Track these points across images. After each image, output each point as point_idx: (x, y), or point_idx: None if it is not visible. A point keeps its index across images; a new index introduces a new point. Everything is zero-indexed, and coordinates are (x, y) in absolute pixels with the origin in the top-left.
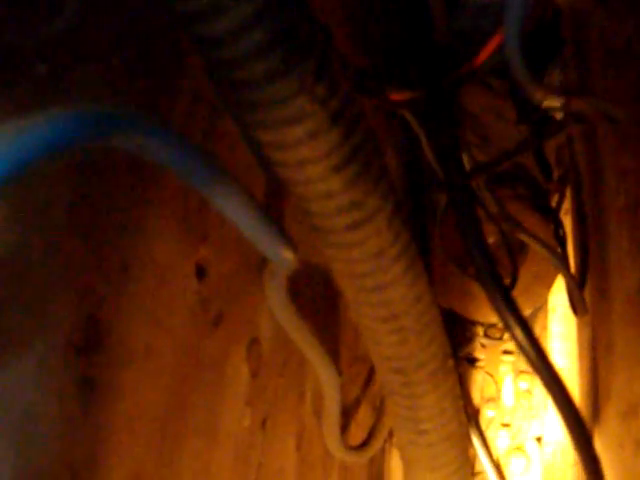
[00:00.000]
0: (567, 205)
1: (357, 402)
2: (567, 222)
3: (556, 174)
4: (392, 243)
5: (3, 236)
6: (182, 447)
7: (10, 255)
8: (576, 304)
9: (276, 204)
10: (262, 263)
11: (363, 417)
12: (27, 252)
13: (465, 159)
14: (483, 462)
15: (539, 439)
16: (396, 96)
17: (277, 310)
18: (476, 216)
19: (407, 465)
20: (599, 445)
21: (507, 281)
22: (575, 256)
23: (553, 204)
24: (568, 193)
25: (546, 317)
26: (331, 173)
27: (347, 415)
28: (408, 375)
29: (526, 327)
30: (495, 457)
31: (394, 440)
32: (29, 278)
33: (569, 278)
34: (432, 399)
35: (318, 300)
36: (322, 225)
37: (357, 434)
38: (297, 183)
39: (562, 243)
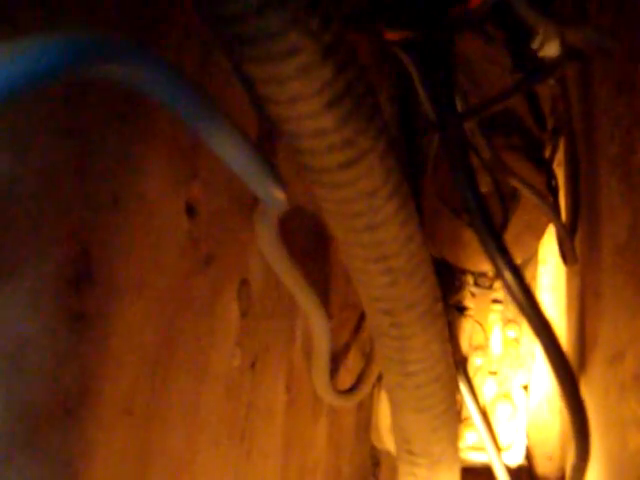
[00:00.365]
0: (560, 157)
1: (346, 348)
2: (560, 174)
3: (550, 125)
4: (384, 183)
5: None
6: (172, 383)
7: (5, 182)
8: (566, 253)
9: (268, 145)
10: (253, 203)
11: (352, 362)
12: (18, 184)
13: (458, 104)
14: (470, 408)
15: (526, 387)
16: (391, 35)
17: (267, 251)
18: (468, 158)
19: (395, 407)
20: (584, 392)
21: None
22: (566, 207)
23: (546, 155)
24: (562, 145)
25: (536, 268)
26: (323, 110)
27: (336, 360)
28: (397, 316)
29: (517, 272)
30: (482, 404)
31: (383, 383)
32: (20, 210)
33: (560, 226)
34: (421, 341)
35: (309, 246)
36: (313, 164)
37: (346, 379)
38: (289, 120)
39: (554, 194)
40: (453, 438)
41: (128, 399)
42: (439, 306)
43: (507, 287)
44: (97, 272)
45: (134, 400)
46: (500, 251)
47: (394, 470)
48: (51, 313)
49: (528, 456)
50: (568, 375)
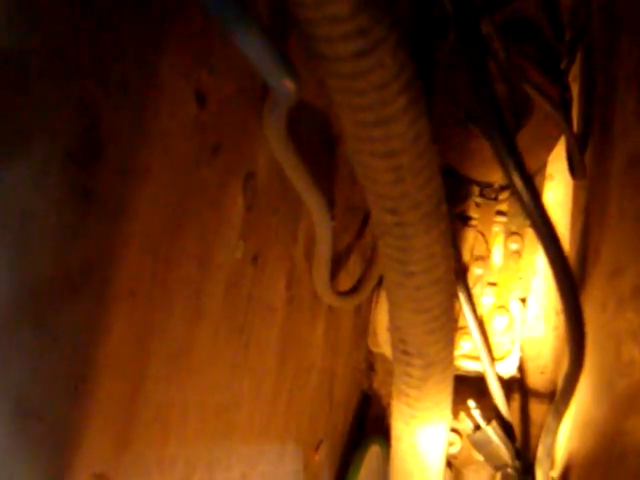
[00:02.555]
0: (576, 71)
1: (349, 250)
2: (574, 88)
3: (568, 36)
4: (395, 76)
5: (2, 38)
6: (175, 270)
7: (9, 58)
8: (575, 166)
9: (282, 35)
10: (264, 95)
11: (353, 265)
12: (27, 57)
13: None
14: (467, 317)
15: (524, 300)
16: None
17: (275, 144)
18: (484, 57)
19: (393, 307)
20: (583, 306)
21: None
22: (578, 121)
23: (562, 68)
24: (578, 58)
25: (543, 182)
26: None
27: (338, 262)
28: (401, 215)
29: (528, 178)
30: (479, 314)
31: (383, 283)
32: (29, 83)
33: (571, 138)
34: (423, 242)
35: (317, 146)
36: (327, 52)
37: (346, 281)
38: (305, 5)
39: (567, 107)
40: (448, 342)
41: (131, 281)
42: (443, 208)
43: (516, 192)
44: (105, 151)
45: (137, 283)
46: (512, 155)
47: (389, 374)
48: (58, 190)
49: (521, 369)
50: (570, 284)
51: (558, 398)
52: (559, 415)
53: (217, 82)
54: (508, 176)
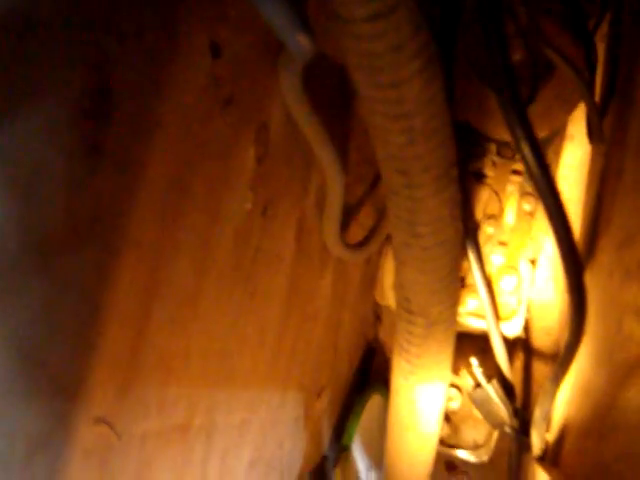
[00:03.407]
0: (603, 31)
1: (361, 203)
2: (601, 49)
3: None
4: (410, 39)
5: None
6: (182, 220)
7: (20, 9)
8: (593, 131)
9: None
10: (279, 49)
11: (365, 218)
12: (38, 8)
13: None
14: (475, 275)
15: (533, 262)
16: None
17: (289, 97)
18: (502, 22)
19: (398, 265)
20: (589, 275)
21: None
22: (601, 84)
23: (589, 27)
24: (607, 18)
25: (562, 143)
26: None
27: (349, 214)
28: (411, 177)
29: (536, 146)
30: (488, 272)
31: (391, 240)
32: (39, 34)
33: (591, 104)
34: (431, 204)
35: (332, 100)
36: (343, 14)
37: (357, 233)
38: None
39: (592, 69)
40: (452, 302)
41: (138, 232)
42: (454, 171)
43: (524, 160)
44: (117, 106)
45: (144, 233)
46: (521, 122)
47: (394, 326)
48: (67, 143)
49: (527, 329)
50: (573, 255)
51: (557, 364)
52: (557, 380)
53: (233, 34)
54: (517, 145)
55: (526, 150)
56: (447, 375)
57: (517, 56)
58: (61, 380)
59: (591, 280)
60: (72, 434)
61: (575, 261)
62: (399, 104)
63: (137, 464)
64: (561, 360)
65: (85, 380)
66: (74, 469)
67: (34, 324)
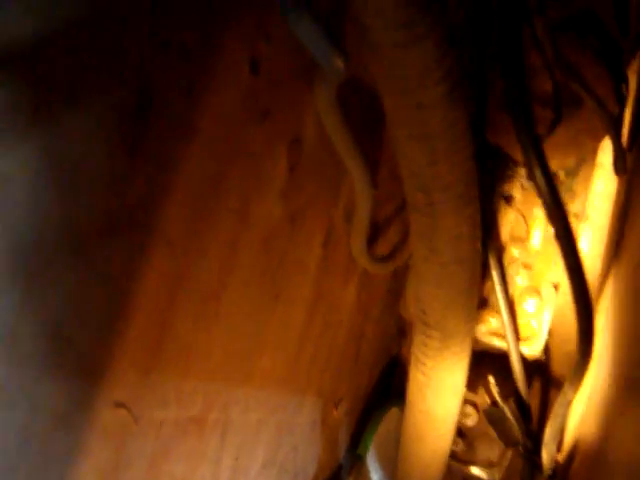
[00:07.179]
0: (636, 65)
1: (389, 219)
2: (633, 83)
3: (633, 33)
4: (437, 65)
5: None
6: (212, 222)
7: (75, 19)
8: (617, 162)
9: (339, 21)
10: (315, 69)
11: (393, 234)
12: (95, 21)
13: None
14: (498, 296)
15: (556, 286)
16: None
17: (323, 113)
18: (521, 58)
19: (418, 278)
20: (609, 293)
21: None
22: (632, 115)
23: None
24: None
25: (592, 170)
26: None
27: (377, 229)
28: (432, 195)
29: (549, 176)
30: (511, 294)
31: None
32: (87, 41)
33: (614, 135)
34: (451, 222)
35: (365, 118)
36: (373, 40)
37: (384, 247)
38: None
39: (622, 101)
40: (468, 318)
41: (169, 230)
42: (474, 191)
43: (537, 186)
44: (156, 110)
45: (175, 231)
46: (535, 155)
47: None
48: (109, 141)
49: (547, 352)
50: (579, 278)
51: (566, 386)
52: (567, 402)
53: (272, 51)
54: (531, 173)
55: (538, 175)
56: (461, 389)
57: (545, 87)
58: (87, 362)
59: (612, 303)
60: (93, 415)
61: (581, 284)
62: (423, 125)
63: (153, 450)
64: (569, 382)
65: (109, 365)
66: (92, 448)
67: (67, 311)
